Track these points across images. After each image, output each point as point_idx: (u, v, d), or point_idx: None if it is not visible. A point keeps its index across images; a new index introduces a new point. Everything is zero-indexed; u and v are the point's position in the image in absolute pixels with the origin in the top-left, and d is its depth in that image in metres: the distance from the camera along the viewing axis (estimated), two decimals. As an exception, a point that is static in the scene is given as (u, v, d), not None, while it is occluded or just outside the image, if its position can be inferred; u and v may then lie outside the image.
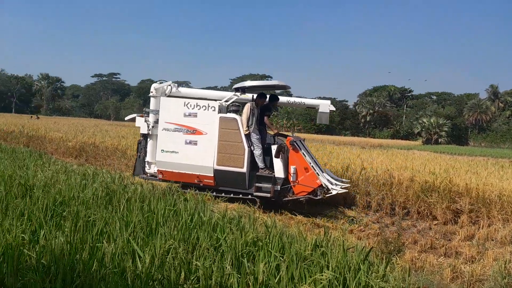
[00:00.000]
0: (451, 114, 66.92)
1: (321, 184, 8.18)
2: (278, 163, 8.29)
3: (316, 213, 8.72)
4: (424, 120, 60.10)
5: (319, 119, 9.54)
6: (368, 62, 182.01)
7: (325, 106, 9.33)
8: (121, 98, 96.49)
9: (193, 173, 8.71)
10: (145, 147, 9.58)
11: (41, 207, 4.87)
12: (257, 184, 8.38)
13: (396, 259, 5.55)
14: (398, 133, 70.14)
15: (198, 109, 8.71)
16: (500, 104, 71.37)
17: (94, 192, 6.21)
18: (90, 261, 3.07)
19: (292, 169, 8.30)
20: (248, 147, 8.36)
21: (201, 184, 8.72)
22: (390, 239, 5.76)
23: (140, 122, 9.57)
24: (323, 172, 8.54)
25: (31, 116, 52.77)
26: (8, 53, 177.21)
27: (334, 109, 9.45)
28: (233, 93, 9.16)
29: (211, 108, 8.63)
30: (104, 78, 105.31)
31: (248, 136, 8.44)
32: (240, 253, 3.87)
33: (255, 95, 9.16)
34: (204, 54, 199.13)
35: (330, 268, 3.49)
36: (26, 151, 12.00)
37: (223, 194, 8.52)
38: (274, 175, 8.30)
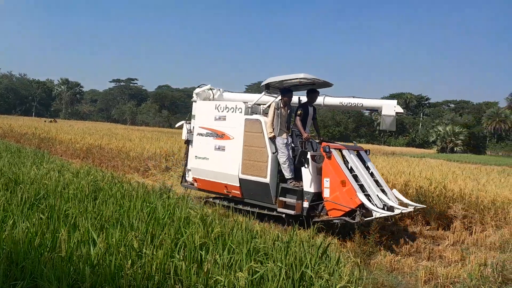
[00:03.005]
0: (469, 123, 65.71)
1: (362, 204, 6.38)
2: (306, 174, 6.88)
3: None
4: (440, 128, 59.21)
5: (382, 124, 7.70)
6: (385, 69, 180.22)
7: (390, 108, 7.52)
8: (138, 103, 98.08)
9: (221, 182, 7.92)
10: (187, 154, 9.01)
11: (20, 200, 5.08)
12: (281, 198, 7.10)
13: (370, 260, 5.59)
14: (413, 141, 69.25)
15: (227, 112, 7.92)
16: (520, 112, 69.64)
17: (80, 188, 6.44)
18: (41, 247, 3.25)
19: (325, 182, 6.73)
20: (273, 153, 7.20)
21: (229, 196, 7.88)
22: (364, 241, 5.76)
23: (184, 128, 9.13)
24: (382, 193, 6.98)
25: (50, 120, 54.10)
26: (30, 58, 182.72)
27: (402, 111, 7.68)
28: (277, 95, 7.94)
29: (238, 109, 7.77)
30: (122, 83, 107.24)
31: (273, 140, 7.28)
32: (198, 245, 3.98)
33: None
34: (221, 59, 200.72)
35: (278, 260, 3.56)
36: (30, 151, 12.39)
37: (252, 209, 7.50)
38: (302, 188, 6.95)
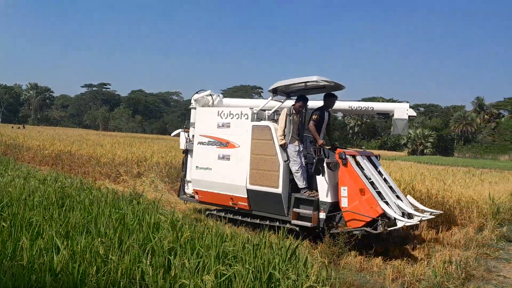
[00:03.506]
0: (438, 126, 67.85)
1: (383, 213, 6.15)
2: (322, 183, 6.52)
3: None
4: (410, 131, 60.80)
5: (394, 129, 7.50)
6: (356, 74, 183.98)
7: (402, 111, 7.35)
8: (111, 108, 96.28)
9: (226, 193, 7.42)
10: (185, 164, 8.52)
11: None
12: (295, 210, 6.68)
13: (340, 260, 5.69)
14: (385, 144, 70.87)
15: (231, 118, 7.43)
16: (485, 116, 72.47)
17: (46, 195, 6.29)
18: (0, 256, 3.16)
19: (342, 191, 6.42)
20: (284, 161, 6.79)
21: (236, 208, 7.37)
22: (334, 242, 5.86)
23: (182, 137, 8.61)
24: (398, 199, 6.76)
25: (18, 127, 52.26)
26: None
27: (414, 114, 7.55)
28: (283, 100, 7.79)
29: (243, 116, 7.29)
30: (94, 89, 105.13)
31: (284, 148, 6.89)
32: (166, 250, 3.96)
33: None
34: (195, 65, 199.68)
35: (247, 263, 3.59)
36: (-6, 158, 11.97)
37: (258, 221, 7.18)
38: (318, 198, 6.58)
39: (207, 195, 7.69)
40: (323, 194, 6.49)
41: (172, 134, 9.27)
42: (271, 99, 7.63)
